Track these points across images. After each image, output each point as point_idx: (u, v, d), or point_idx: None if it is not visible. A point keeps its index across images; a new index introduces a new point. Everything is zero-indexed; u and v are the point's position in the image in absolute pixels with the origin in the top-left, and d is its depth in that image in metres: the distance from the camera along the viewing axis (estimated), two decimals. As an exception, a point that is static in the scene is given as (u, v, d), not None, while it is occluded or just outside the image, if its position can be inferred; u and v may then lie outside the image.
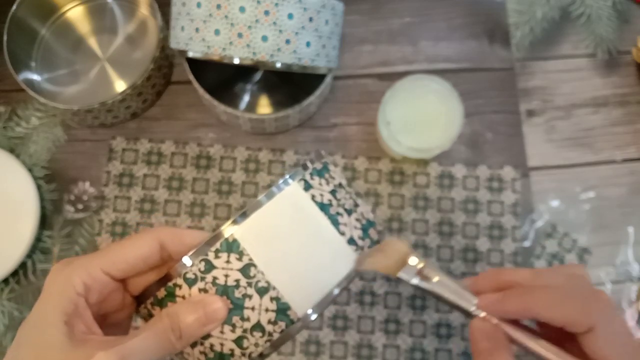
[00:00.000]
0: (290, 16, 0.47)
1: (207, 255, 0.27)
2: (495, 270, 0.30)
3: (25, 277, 0.57)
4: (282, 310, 0.28)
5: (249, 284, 0.28)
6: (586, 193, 0.61)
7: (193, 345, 0.29)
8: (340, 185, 0.32)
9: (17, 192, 0.56)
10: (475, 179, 0.60)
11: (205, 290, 0.28)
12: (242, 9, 0.46)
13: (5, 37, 0.57)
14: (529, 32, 0.62)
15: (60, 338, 0.26)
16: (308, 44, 0.48)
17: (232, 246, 0.28)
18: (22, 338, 0.27)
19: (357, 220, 0.31)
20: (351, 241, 0.30)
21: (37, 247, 0.57)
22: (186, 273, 0.28)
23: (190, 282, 0.28)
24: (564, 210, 0.60)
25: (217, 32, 0.47)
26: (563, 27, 0.64)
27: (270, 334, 0.28)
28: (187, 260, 0.28)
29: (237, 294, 0.28)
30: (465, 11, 0.65)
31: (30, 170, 0.58)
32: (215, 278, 0.28)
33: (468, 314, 0.28)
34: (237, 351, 0.29)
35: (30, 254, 0.57)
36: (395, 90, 0.54)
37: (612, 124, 0.63)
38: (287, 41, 0.47)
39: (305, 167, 0.30)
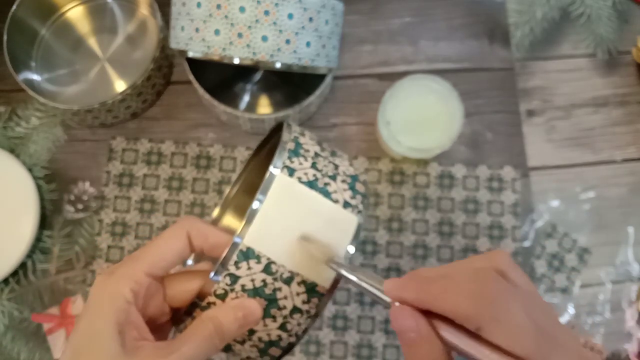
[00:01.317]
0: (290, 16, 0.47)
1: (228, 269, 0.29)
2: (411, 272, 0.29)
3: (25, 277, 0.57)
4: (311, 289, 0.30)
5: (275, 279, 0.30)
6: (586, 193, 0.61)
7: (242, 342, 0.31)
8: (316, 154, 0.33)
9: (17, 192, 0.56)
10: (475, 179, 0.60)
11: (237, 298, 0.30)
12: (242, 9, 0.46)
13: (5, 37, 0.57)
14: (529, 32, 0.62)
15: (116, 348, 0.27)
16: (308, 44, 0.48)
17: (247, 254, 0.29)
18: (78, 349, 0.28)
19: (343, 181, 0.33)
20: (346, 205, 0.32)
21: (37, 247, 0.57)
22: (216, 290, 0.29)
23: (222, 296, 0.30)
24: (564, 210, 0.60)
25: (217, 32, 0.47)
26: (563, 27, 0.64)
27: (307, 312, 0.31)
28: (214, 277, 0.29)
29: (267, 290, 0.30)
30: (465, 11, 0.65)
31: (30, 170, 0.58)
32: (243, 285, 0.29)
33: (385, 304, 0.28)
34: (284, 335, 0.31)
35: (30, 254, 0.57)
36: (395, 90, 0.54)
37: (612, 124, 0.63)
38: (287, 41, 0.47)
39: (282, 150, 0.32)
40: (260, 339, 0.31)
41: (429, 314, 0.26)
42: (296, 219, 0.30)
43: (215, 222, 0.46)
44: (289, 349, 0.32)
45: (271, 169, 0.31)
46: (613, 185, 0.61)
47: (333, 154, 0.35)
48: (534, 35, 0.62)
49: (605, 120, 0.63)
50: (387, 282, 0.27)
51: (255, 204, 0.29)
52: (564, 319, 0.58)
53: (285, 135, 0.33)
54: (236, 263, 0.29)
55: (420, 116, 0.55)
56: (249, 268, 0.29)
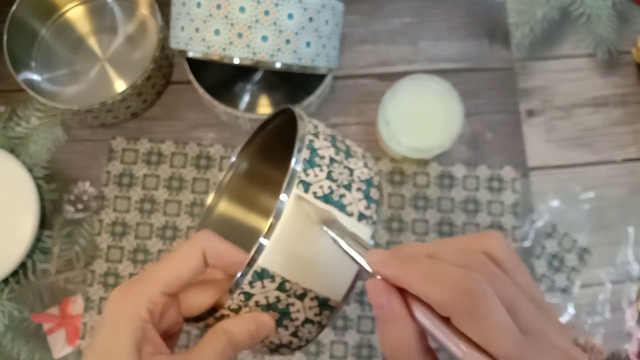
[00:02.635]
0: (290, 16, 0.47)
1: (243, 288, 0.29)
2: (398, 246, 0.28)
3: (25, 277, 0.57)
4: (324, 303, 0.30)
5: (288, 295, 0.30)
6: (586, 193, 0.61)
7: None
8: (331, 160, 0.32)
9: (17, 192, 0.56)
10: (475, 179, 0.60)
11: (251, 312, 0.30)
12: (242, 9, 0.46)
13: (5, 37, 0.57)
14: (529, 32, 0.62)
15: None
16: (308, 44, 0.48)
17: (262, 274, 0.29)
18: None
19: (358, 190, 0.32)
20: (360, 217, 0.31)
21: (37, 247, 0.57)
22: (230, 305, 0.30)
23: (236, 310, 0.30)
24: (564, 210, 0.60)
25: (217, 32, 0.47)
26: (563, 27, 0.64)
27: (319, 322, 0.31)
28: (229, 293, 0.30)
29: (281, 305, 0.30)
30: (465, 11, 0.65)
31: (30, 170, 0.58)
32: (257, 302, 0.29)
33: (368, 274, 0.28)
34: (295, 340, 0.32)
35: (30, 254, 0.57)
36: (395, 90, 0.54)
37: (612, 124, 0.63)
38: (287, 41, 0.47)
39: (297, 163, 0.30)
40: (272, 342, 0.32)
41: (408, 292, 0.25)
42: (311, 236, 0.30)
43: (210, 210, 0.45)
44: (298, 349, 0.33)
45: (286, 186, 0.30)
46: (613, 185, 0.61)
47: (347, 154, 0.34)
48: (534, 35, 0.62)
49: (605, 120, 0.63)
50: (370, 254, 0.27)
51: (270, 224, 0.29)
52: (564, 319, 0.58)
53: (300, 134, 0.32)
54: (250, 283, 0.29)
55: (420, 116, 0.55)
56: (263, 287, 0.29)
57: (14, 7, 0.58)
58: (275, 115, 0.40)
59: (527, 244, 0.59)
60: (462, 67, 0.64)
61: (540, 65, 0.64)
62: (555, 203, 0.60)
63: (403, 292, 0.25)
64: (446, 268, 0.24)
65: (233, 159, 0.45)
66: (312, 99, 0.55)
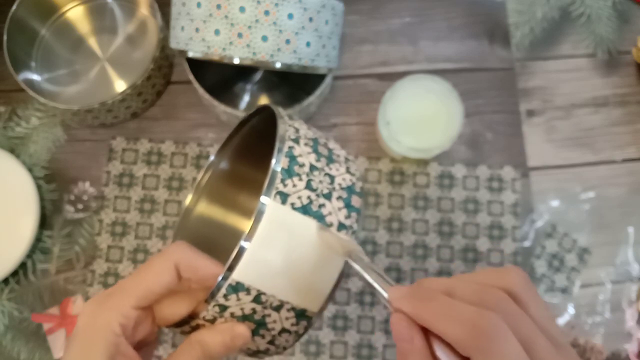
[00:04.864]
0: (290, 16, 0.47)
1: (217, 301, 0.29)
2: (420, 281, 0.28)
3: (25, 277, 0.57)
4: (300, 314, 0.30)
5: (264, 307, 0.29)
6: (586, 193, 0.61)
7: None
8: (311, 167, 0.31)
9: (17, 192, 0.56)
10: (475, 179, 0.60)
11: (226, 322, 0.30)
12: (242, 9, 0.46)
13: (5, 37, 0.57)
14: (529, 32, 0.62)
15: None
16: (308, 44, 0.48)
17: (237, 288, 0.29)
18: None
19: (338, 198, 0.31)
20: (340, 227, 0.31)
21: (37, 247, 0.57)
22: (205, 316, 0.29)
23: (211, 321, 0.30)
24: (564, 210, 0.60)
25: (217, 32, 0.47)
26: (563, 27, 0.64)
27: (296, 332, 0.31)
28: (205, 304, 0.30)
29: (257, 317, 0.30)
30: (465, 11, 0.65)
31: (30, 170, 0.58)
32: (232, 313, 0.29)
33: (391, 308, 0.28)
34: (272, 347, 0.32)
35: (30, 254, 0.57)
36: (395, 90, 0.54)
37: (612, 124, 0.63)
38: (287, 41, 0.47)
39: (274, 174, 0.29)
40: (249, 348, 0.32)
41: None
42: (288, 248, 0.29)
43: (189, 211, 0.45)
44: (275, 354, 0.33)
45: (262, 200, 0.29)
46: (613, 185, 0.61)
47: (329, 159, 0.32)
48: (534, 35, 0.62)
49: (605, 120, 0.63)
50: (391, 290, 0.27)
51: (245, 239, 0.28)
52: (563, 319, 0.58)
53: (280, 133, 0.31)
54: (225, 296, 0.28)
55: (420, 116, 0.55)
56: (239, 299, 0.29)
57: (14, 7, 0.58)
58: (254, 113, 0.40)
59: (527, 244, 0.59)
60: (462, 67, 0.64)
61: (540, 65, 0.64)
62: (555, 203, 0.60)
63: (426, 329, 0.25)
64: (461, 307, 0.24)
65: (212, 158, 0.44)
66: (312, 99, 0.55)
